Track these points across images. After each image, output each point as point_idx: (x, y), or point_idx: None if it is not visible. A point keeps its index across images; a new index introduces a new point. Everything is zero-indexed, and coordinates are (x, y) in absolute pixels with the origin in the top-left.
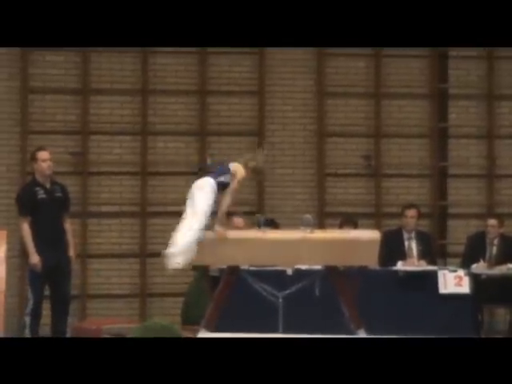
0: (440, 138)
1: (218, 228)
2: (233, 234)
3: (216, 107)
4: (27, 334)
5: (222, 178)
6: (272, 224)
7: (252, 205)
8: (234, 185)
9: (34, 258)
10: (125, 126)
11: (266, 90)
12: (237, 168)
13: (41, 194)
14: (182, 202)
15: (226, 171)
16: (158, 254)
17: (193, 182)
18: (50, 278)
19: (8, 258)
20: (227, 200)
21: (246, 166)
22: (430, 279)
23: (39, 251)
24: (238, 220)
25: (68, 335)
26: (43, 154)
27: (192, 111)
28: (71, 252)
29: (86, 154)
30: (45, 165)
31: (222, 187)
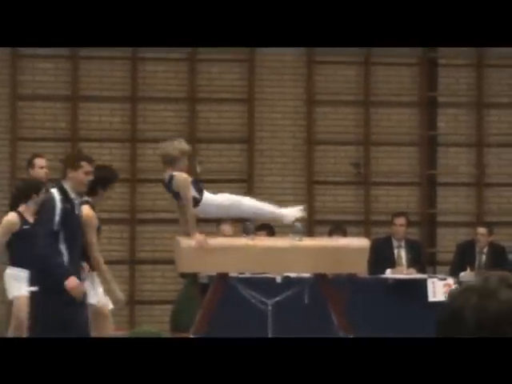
0: (429, 146)
1: (196, 237)
2: (222, 241)
3: (205, 114)
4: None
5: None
6: (267, 228)
7: None
8: (184, 196)
9: None
10: (114, 133)
11: (256, 97)
12: (176, 180)
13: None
14: (172, 209)
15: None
16: (147, 261)
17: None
18: None
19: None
20: (189, 212)
21: (177, 162)
22: (419, 287)
23: None
24: (226, 227)
25: None
26: (40, 161)
27: (181, 118)
28: None
29: None
30: (42, 171)
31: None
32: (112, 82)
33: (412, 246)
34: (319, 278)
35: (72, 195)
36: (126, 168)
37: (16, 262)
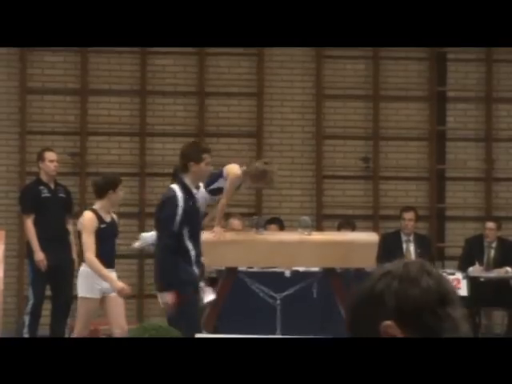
0: (438, 140)
1: (216, 229)
2: (231, 235)
3: (214, 108)
4: (26, 333)
5: (215, 185)
6: (277, 222)
7: (250, 206)
8: (227, 185)
9: (39, 255)
10: (123, 127)
11: (265, 91)
12: (230, 169)
13: (45, 193)
14: None
15: (219, 176)
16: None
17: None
18: (52, 279)
19: (6, 258)
20: (222, 202)
21: (241, 169)
22: None
23: (42, 249)
24: (235, 222)
25: (66, 335)
26: (51, 155)
27: (190, 112)
28: (74, 254)
29: (84, 155)
30: (52, 165)
31: (218, 192)
32: (121, 75)
33: (421, 241)
34: (328, 272)
35: (193, 190)
36: (135, 162)
37: None
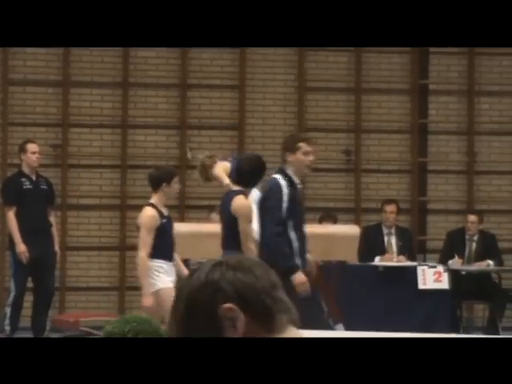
0: (420, 133)
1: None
2: (213, 228)
3: (196, 101)
4: (7, 325)
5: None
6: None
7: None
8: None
9: (21, 247)
10: (105, 119)
11: (247, 84)
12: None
13: (27, 185)
14: None
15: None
16: (137, 248)
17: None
18: (34, 270)
19: None
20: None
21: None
22: (410, 275)
23: (24, 241)
24: (217, 216)
25: (47, 328)
26: (33, 147)
27: (172, 105)
28: (56, 246)
29: (66, 147)
30: (33, 157)
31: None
32: (103, 67)
33: (402, 234)
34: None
35: (296, 180)
36: (117, 154)
37: (157, 255)
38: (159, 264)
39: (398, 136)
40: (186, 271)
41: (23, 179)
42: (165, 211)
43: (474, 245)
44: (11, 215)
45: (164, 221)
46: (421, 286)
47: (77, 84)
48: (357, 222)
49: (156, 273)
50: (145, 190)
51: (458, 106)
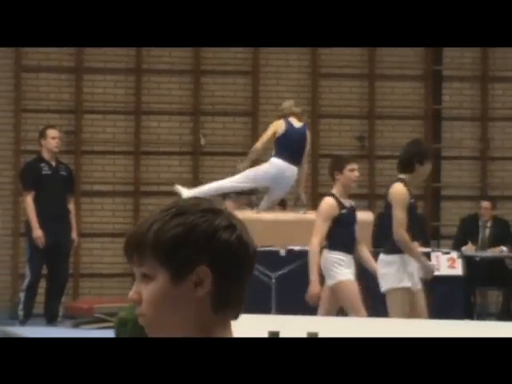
0: (434, 119)
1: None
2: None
3: (210, 87)
4: (20, 310)
5: None
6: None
7: None
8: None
9: (37, 232)
10: (118, 105)
11: (260, 70)
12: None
13: (46, 170)
14: (175, 181)
15: None
16: None
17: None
18: (49, 257)
19: (1, 236)
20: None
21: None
22: None
23: (41, 227)
24: (229, 203)
25: (60, 314)
26: (53, 132)
27: (186, 91)
28: (74, 234)
29: (79, 133)
30: (53, 142)
31: None
32: (116, 53)
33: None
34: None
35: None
36: (130, 140)
37: (336, 247)
38: (339, 256)
39: (411, 122)
40: (375, 265)
41: (42, 164)
42: (347, 203)
43: (488, 231)
44: (29, 200)
45: (343, 212)
46: (435, 273)
47: (90, 70)
48: (370, 208)
49: (336, 265)
50: (158, 176)
51: (472, 91)
